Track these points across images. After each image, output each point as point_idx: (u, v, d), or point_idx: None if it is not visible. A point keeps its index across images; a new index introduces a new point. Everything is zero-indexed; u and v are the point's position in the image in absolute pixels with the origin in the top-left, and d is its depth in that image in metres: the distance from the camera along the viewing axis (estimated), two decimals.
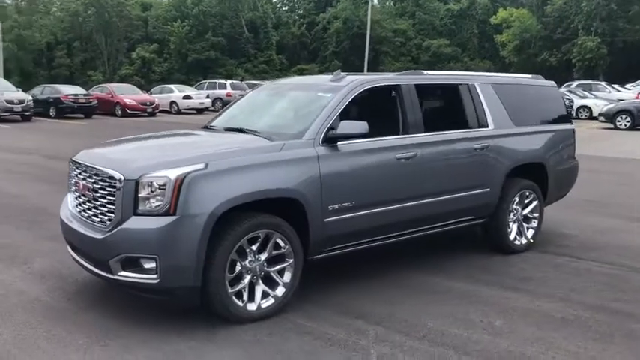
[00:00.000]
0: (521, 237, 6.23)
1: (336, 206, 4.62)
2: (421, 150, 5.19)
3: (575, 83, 32.72)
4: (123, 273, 4.01)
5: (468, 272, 5.52)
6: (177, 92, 31.21)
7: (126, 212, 3.99)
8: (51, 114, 25.41)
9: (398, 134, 5.18)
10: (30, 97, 23.49)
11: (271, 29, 60.40)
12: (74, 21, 56.73)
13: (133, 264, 3.98)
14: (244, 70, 56.38)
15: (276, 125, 5.07)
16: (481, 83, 5.94)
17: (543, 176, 6.35)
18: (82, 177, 4.51)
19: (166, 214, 3.90)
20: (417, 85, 5.37)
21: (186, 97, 30.77)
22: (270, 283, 4.41)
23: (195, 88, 34.90)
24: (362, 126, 4.63)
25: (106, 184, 4.17)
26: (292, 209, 4.43)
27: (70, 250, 4.76)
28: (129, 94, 28.66)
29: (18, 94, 22.98)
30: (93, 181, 4.33)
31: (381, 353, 3.86)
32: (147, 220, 3.93)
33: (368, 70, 42.57)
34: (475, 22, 60.50)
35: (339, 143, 4.70)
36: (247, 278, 4.27)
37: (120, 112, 27.44)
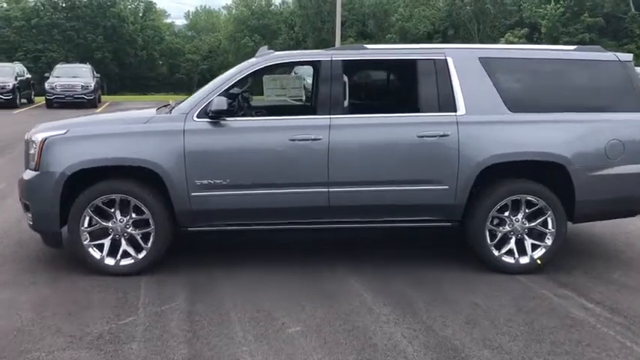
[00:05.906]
0: (522, 255, 4.83)
1: (205, 182, 4.65)
2: (331, 133, 4.65)
3: None
4: (27, 214, 5.01)
5: (390, 281, 4.68)
6: None
7: (25, 166, 4.97)
8: None
9: (303, 114, 4.77)
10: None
11: None
12: (452, 10, 59.48)
13: (27, 207, 4.93)
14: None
15: (190, 100, 5.18)
16: (458, 58, 4.78)
17: (566, 180, 4.75)
18: None
19: (35, 169, 4.72)
20: (345, 62, 4.77)
21: None
22: (139, 245, 4.79)
23: None
24: (221, 102, 4.54)
25: None
26: (157, 178, 4.68)
27: None
28: None
29: None
30: None
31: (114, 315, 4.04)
32: (28, 173, 4.81)
33: None
34: None
35: (228, 119, 4.68)
36: (111, 236, 4.75)
37: None
